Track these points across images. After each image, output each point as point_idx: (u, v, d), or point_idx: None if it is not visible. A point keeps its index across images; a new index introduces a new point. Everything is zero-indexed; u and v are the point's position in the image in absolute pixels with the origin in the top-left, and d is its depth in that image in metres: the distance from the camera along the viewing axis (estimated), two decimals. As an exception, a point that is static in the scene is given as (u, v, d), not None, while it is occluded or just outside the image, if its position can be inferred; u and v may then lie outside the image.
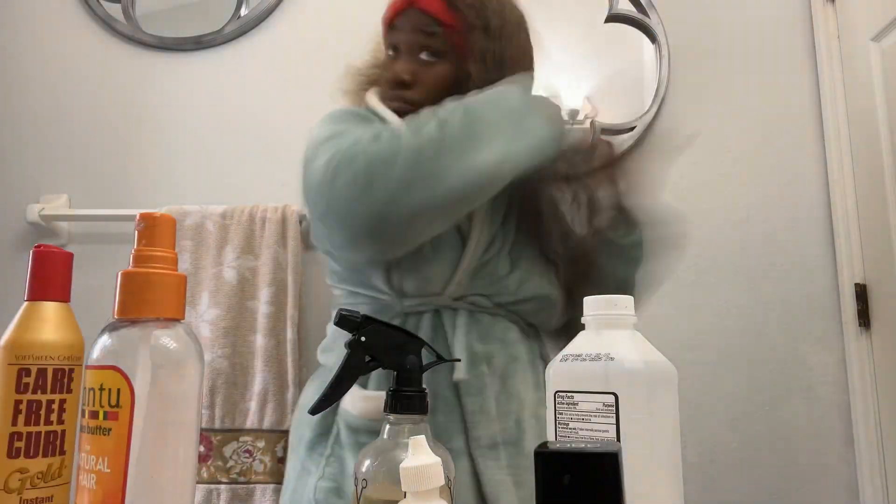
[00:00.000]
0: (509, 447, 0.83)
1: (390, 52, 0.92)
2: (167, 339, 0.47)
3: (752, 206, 1.45)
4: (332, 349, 0.92)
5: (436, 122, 0.76)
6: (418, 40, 0.88)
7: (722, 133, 1.49)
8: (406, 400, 0.50)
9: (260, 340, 1.31)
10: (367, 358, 0.53)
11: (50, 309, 0.49)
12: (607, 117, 1.53)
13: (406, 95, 0.88)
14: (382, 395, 0.52)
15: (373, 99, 0.93)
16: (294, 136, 1.55)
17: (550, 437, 0.49)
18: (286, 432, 1.22)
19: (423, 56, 0.88)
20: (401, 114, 0.87)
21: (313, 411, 0.53)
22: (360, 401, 0.83)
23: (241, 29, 1.60)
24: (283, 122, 1.56)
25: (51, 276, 0.50)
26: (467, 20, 0.86)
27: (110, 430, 0.45)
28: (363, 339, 0.53)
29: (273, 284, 1.34)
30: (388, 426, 0.51)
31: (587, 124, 1.54)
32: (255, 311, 1.34)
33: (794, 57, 1.51)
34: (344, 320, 0.53)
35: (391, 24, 0.91)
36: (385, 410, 0.51)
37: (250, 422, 1.29)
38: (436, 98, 0.84)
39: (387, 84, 0.90)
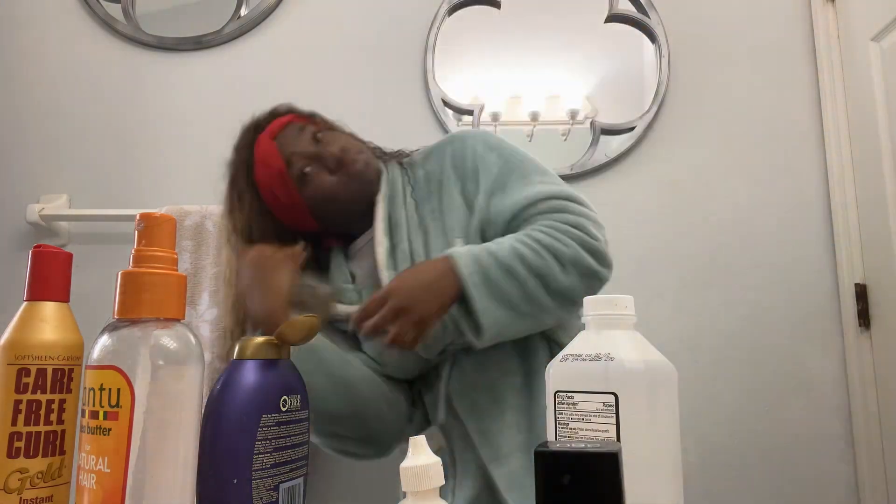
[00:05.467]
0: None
1: (307, 173, 0.95)
2: (167, 339, 0.47)
3: (751, 206, 1.45)
4: None
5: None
6: (307, 139, 0.96)
7: (721, 133, 1.49)
8: None
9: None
10: None
11: (49, 309, 0.49)
12: (607, 117, 1.53)
13: (350, 156, 0.96)
14: None
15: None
16: (294, 136, 1.56)
17: (550, 437, 0.49)
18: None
19: (319, 137, 0.97)
20: (365, 168, 0.97)
21: None
22: None
23: (241, 29, 1.60)
24: (283, 122, 1.56)
25: (50, 277, 0.50)
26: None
27: (110, 430, 0.45)
28: None
29: (273, 284, 1.34)
30: None
31: (587, 124, 1.54)
32: (255, 311, 1.34)
33: (794, 57, 1.51)
34: None
35: (287, 168, 0.95)
36: None
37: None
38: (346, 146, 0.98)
39: (336, 168, 0.95)
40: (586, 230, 0.85)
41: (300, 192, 0.95)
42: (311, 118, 1.02)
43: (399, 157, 1.06)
